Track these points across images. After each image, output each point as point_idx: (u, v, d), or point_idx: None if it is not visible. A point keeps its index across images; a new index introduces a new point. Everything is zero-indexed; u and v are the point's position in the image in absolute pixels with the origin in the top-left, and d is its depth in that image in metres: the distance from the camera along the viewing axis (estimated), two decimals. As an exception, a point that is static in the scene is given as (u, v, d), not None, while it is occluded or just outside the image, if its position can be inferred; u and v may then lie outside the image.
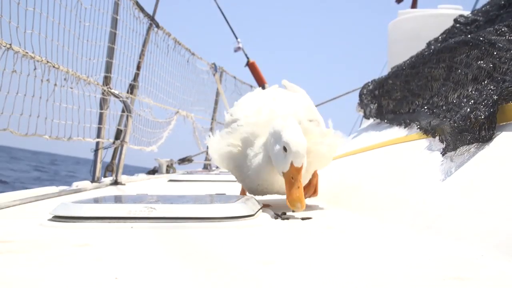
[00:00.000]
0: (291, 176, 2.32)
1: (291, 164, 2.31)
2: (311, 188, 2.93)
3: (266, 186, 2.61)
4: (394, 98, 3.76)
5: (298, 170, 2.31)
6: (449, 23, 4.12)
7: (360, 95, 4.49)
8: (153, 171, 6.24)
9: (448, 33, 3.91)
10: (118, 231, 1.97)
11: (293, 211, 2.40)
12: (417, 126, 2.82)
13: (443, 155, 2.31)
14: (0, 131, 2.82)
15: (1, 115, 2.79)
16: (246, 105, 2.75)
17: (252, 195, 2.66)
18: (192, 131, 7.61)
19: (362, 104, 4.42)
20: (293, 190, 2.30)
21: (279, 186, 2.56)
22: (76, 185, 3.80)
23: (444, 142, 2.34)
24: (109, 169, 4.79)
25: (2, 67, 2.78)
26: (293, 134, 2.33)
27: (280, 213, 2.44)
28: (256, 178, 2.58)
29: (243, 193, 2.92)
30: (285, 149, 2.32)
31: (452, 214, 1.88)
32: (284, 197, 2.40)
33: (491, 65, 2.36)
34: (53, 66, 3.30)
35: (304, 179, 2.73)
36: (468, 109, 2.15)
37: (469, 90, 2.40)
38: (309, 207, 2.77)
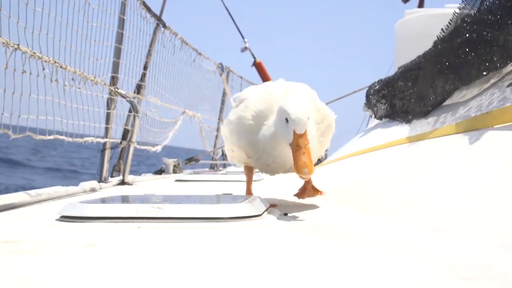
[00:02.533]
0: (296, 144, 2.31)
1: (294, 132, 2.32)
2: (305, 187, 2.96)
3: (280, 161, 2.61)
4: (402, 97, 3.76)
5: (302, 136, 2.31)
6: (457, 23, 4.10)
7: (367, 96, 4.48)
8: (160, 171, 6.25)
9: (455, 33, 3.89)
10: (125, 231, 1.97)
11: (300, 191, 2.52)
12: (427, 124, 2.82)
13: (446, 151, 2.30)
14: (21, 135, 2.84)
15: (7, 116, 2.80)
16: (254, 88, 2.81)
17: (258, 196, 2.65)
18: (199, 131, 7.62)
19: (369, 104, 4.41)
20: (299, 156, 2.28)
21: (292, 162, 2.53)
22: (83, 185, 3.81)
23: (446, 140, 2.34)
24: (116, 169, 4.80)
25: (11, 67, 2.79)
26: (293, 104, 2.35)
27: (283, 213, 2.47)
28: (271, 153, 2.58)
29: (249, 193, 2.92)
30: (287, 120, 2.34)
31: (459, 214, 1.88)
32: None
33: (498, 64, 2.36)
34: (61, 67, 3.31)
35: (315, 151, 2.67)
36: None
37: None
38: (316, 207, 2.77)
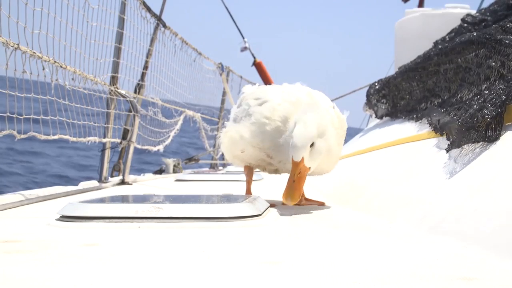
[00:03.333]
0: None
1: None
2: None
3: None
4: (402, 97, 3.76)
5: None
6: (456, 22, 4.11)
7: (368, 95, 4.48)
8: (160, 171, 6.24)
9: (456, 33, 3.90)
10: (125, 231, 1.97)
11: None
12: (428, 122, 2.81)
13: (447, 151, 2.30)
14: (27, 135, 2.85)
15: (7, 117, 2.80)
16: (275, 89, 2.77)
17: (258, 195, 2.65)
18: (199, 131, 7.61)
19: (370, 104, 4.41)
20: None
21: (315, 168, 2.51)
22: (83, 185, 3.81)
23: (450, 139, 2.34)
24: (116, 169, 4.80)
25: (12, 67, 2.79)
26: (301, 129, 2.33)
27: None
28: None
29: (249, 193, 2.92)
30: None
31: (459, 214, 1.88)
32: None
33: (499, 63, 2.35)
34: (61, 66, 3.31)
35: (336, 154, 2.72)
36: (477, 107, 2.14)
37: (482, 89, 2.39)
38: (316, 207, 2.77)
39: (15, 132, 2.75)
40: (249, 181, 2.99)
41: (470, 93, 2.53)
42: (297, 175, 2.31)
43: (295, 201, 2.29)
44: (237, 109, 2.85)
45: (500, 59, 2.37)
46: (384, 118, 4.19)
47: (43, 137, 3.08)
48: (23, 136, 2.83)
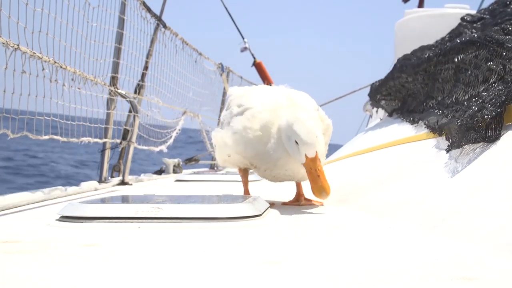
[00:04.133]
0: (310, 166, 2.37)
1: (305, 155, 2.36)
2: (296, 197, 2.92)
3: (291, 173, 2.65)
4: (401, 97, 3.76)
5: (314, 159, 2.37)
6: (456, 22, 4.11)
7: (370, 94, 4.48)
8: (160, 171, 6.24)
9: (455, 32, 3.90)
10: (125, 231, 1.97)
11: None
12: (425, 125, 2.81)
13: (447, 151, 2.30)
14: (19, 135, 2.85)
15: (8, 116, 2.80)
16: (256, 94, 2.76)
17: (258, 195, 2.66)
18: (200, 131, 7.62)
19: (374, 102, 4.41)
20: (315, 180, 2.36)
21: (303, 173, 2.55)
22: (83, 185, 3.81)
23: (450, 140, 2.34)
24: (116, 169, 4.80)
25: (11, 67, 2.79)
26: (303, 126, 2.38)
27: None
28: (283, 166, 2.60)
29: (247, 193, 2.91)
30: (297, 142, 2.38)
31: (460, 214, 1.88)
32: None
33: (501, 66, 2.35)
34: (61, 67, 3.31)
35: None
36: (476, 108, 2.14)
37: (480, 91, 2.39)
38: (316, 207, 2.77)
39: (8, 131, 2.75)
40: (245, 182, 2.98)
41: (466, 94, 2.53)
42: (318, 170, 2.36)
43: (329, 193, 2.35)
44: (225, 112, 2.86)
45: (502, 62, 2.37)
46: (384, 118, 4.20)
47: (34, 137, 3.08)
48: (16, 135, 2.82)
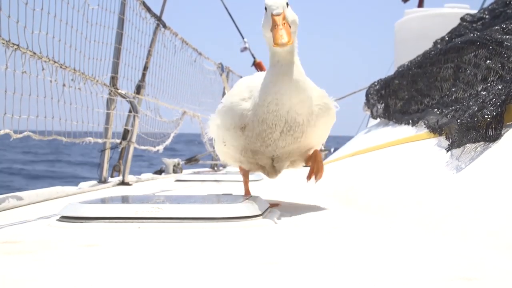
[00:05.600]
0: (274, 23, 2.32)
1: (272, 16, 2.33)
2: (316, 165, 2.75)
3: (293, 135, 2.52)
4: (401, 97, 3.76)
5: (278, 16, 2.32)
6: (456, 22, 4.11)
7: (367, 95, 4.48)
8: (159, 171, 6.24)
9: (455, 32, 3.90)
10: (125, 231, 1.97)
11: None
12: (425, 125, 2.81)
13: (447, 151, 2.30)
14: (22, 135, 2.85)
15: (6, 116, 2.80)
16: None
17: (258, 195, 2.65)
18: (200, 131, 7.61)
19: (369, 104, 4.41)
20: (276, 31, 2.29)
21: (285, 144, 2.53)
22: (83, 185, 3.81)
23: (450, 140, 2.34)
24: (116, 169, 4.80)
25: (11, 67, 2.79)
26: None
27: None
28: (262, 105, 2.45)
29: (247, 193, 2.91)
30: (266, 9, 2.37)
31: (459, 214, 1.88)
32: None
33: (499, 65, 2.35)
34: (61, 67, 3.31)
35: (302, 152, 2.69)
36: (476, 108, 2.14)
37: (478, 90, 2.39)
38: (316, 206, 2.77)
39: (11, 132, 2.75)
40: (246, 181, 2.95)
41: (465, 93, 2.53)
42: (282, 24, 2.30)
43: (291, 41, 2.28)
44: None
45: (500, 61, 2.37)
46: (383, 119, 4.19)
47: (37, 137, 3.08)
48: (18, 136, 2.83)
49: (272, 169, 2.74)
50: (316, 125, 2.57)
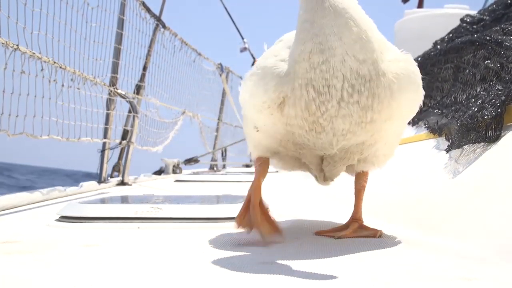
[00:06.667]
0: None
1: None
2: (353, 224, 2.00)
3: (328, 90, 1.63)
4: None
5: None
6: (456, 23, 4.11)
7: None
8: (159, 172, 6.24)
9: (455, 33, 3.90)
10: (125, 231, 1.97)
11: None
12: (425, 125, 2.81)
13: (447, 152, 2.30)
14: (17, 135, 2.85)
15: (7, 116, 2.80)
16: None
17: None
18: (199, 131, 7.61)
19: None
20: None
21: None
22: (82, 185, 3.81)
23: (450, 141, 2.34)
24: (115, 169, 4.80)
25: (10, 68, 2.79)
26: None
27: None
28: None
29: (258, 188, 1.98)
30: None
31: (459, 215, 1.88)
32: None
33: (498, 65, 2.36)
34: (60, 67, 3.31)
35: (364, 153, 1.89)
36: (476, 109, 2.14)
37: (477, 90, 2.39)
38: (316, 207, 2.76)
39: (8, 132, 2.75)
40: (258, 178, 1.96)
41: (464, 93, 2.53)
42: None
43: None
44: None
45: (499, 61, 2.37)
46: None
47: (33, 137, 3.08)
48: (15, 135, 2.82)
49: (320, 173, 1.97)
50: (394, 97, 1.67)
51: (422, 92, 1.79)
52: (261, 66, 1.77)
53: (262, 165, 1.97)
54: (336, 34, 1.57)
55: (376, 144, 1.82)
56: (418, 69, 1.76)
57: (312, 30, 1.58)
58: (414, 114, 1.83)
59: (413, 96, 1.73)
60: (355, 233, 1.92)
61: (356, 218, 2.04)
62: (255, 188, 1.90)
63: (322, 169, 1.92)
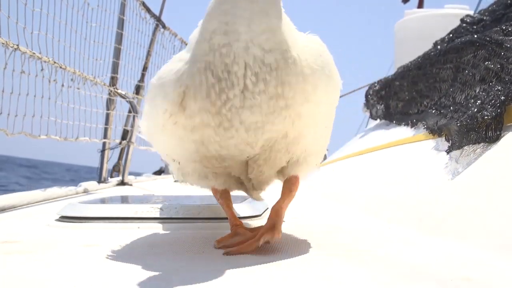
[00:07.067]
0: None
1: None
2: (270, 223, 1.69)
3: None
4: (401, 99, 3.76)
5: None
6: (456, 23, 4.11)
7: (366, 96, 4.48)
8: (159, 172, 6.25)
9: (455, 33, 3.90)
10: (125, 231, 1.97)
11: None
12: (424, 126, 2.81)
13: (448, 153, 2.30)
14: (16, 134, 2.85)
15: (6, 116, 2.80)
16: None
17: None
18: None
19: (368, 104, 4.41)
20: None
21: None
22: (82, 185, 3.81)
23: (450, 141, 2.34)
24: (115, 169, 4.80)
25: (10, 68, 2.79)
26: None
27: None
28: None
29: (234, 220, 1.88)
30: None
31: (459, 215, 1.88)
32: None
33: (498, 66, 2.35)
34: (60, 67, 3.31)
35: (291, 153, 1.68)
36: (475, 109, 2.14)
37: (477, 91, 2.39)
38: (316, 207, 2.77)
39: (6, 131, 2.75)
40: (228, 205, 1.86)
41: (463, 93, 2.53)
42: None
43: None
44: None
45: (499, 62, 2.37)
46: (383, 120, 4.20)
47: (31, 136, 3.08)
48: (13, 135, 2.83)
49: (249, 183, 1.78)
50: (308, 81, 1.53)
51: (337, 74, 1.64)
52: (159, 76, 1.61)
53: (222, 197, 1.83)
54: (247, 18, 1.43)
55: (302, 138, 1.62)
56: (328, 51, 1.63)
57: (223, 6, 1.44)
58: (335, 98, 1.67)
59: (328, 88, 1.58)
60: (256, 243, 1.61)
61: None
62: (226, 208, 1.83)
63: (249, 177, 1.72)
